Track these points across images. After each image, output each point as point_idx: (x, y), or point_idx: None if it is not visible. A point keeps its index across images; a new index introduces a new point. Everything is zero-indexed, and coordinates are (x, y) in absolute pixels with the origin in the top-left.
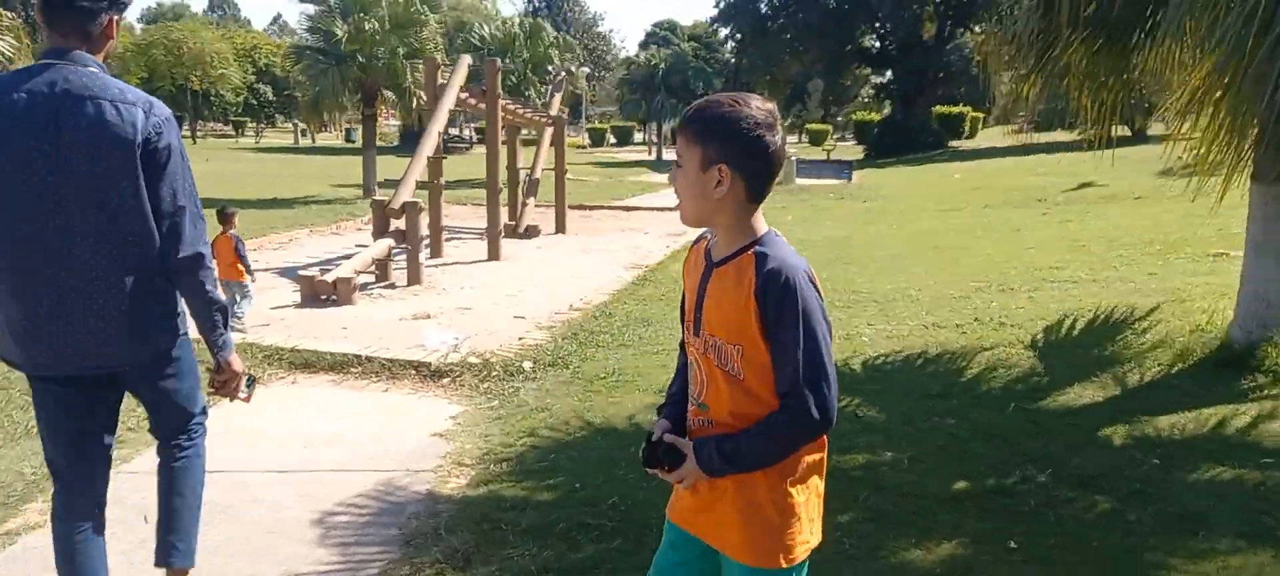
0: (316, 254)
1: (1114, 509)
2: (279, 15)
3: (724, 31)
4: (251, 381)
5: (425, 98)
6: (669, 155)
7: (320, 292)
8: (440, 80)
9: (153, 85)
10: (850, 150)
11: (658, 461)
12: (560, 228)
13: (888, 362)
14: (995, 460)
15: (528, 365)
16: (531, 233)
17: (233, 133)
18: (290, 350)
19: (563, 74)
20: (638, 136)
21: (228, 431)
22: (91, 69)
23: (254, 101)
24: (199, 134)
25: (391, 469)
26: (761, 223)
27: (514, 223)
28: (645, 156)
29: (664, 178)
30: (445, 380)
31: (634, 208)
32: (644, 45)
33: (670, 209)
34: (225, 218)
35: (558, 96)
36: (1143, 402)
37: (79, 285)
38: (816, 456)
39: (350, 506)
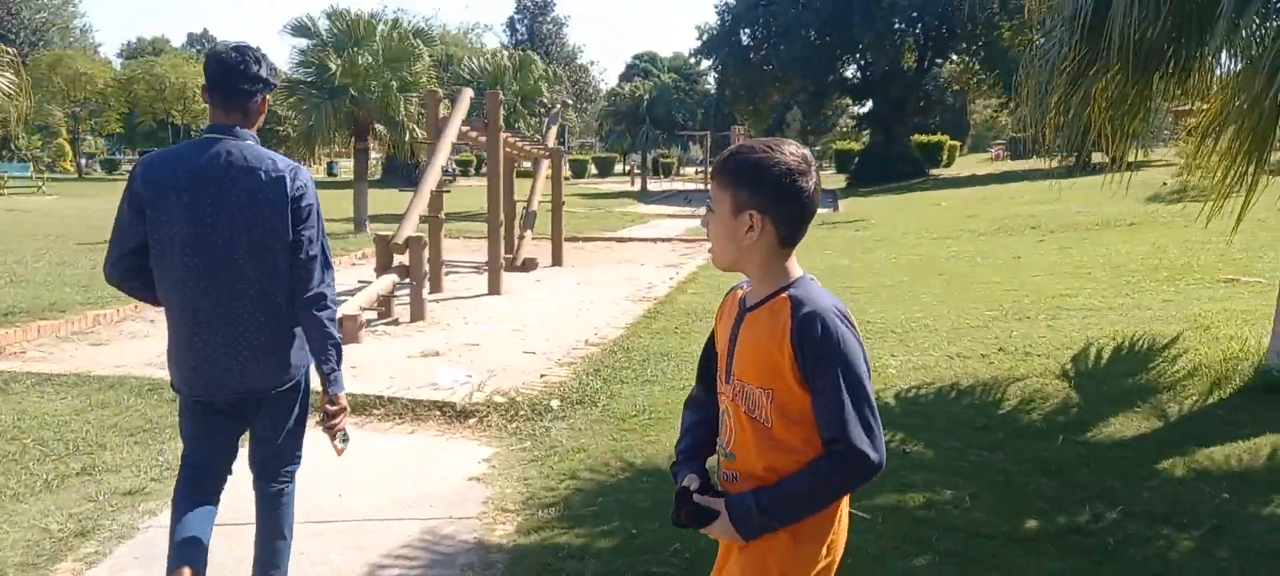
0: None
1: (1196, 546)
2: None
3: (706, 63)
4: (345, 437)
5: (422, 131)
6: (655, 185)
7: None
8: (442, 113)
9: (134, 120)
10: (831, 179)
11: (686, 519)
12: (557, 260)
13: (920, 395)
14: (1057, 496)
15: (555, 403)
16: (529, 266)
17: None
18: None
19: (558, 106)
20: (618, 167)
21: None
22: (248, 142)
23: None
24: None
25: (433, 516)
26: (795, 267)
27: (511, 256)
28: (628, 187)
29: (653, 209)
30: (471, 420)
31: (627, 238)
32: (625, 77)
33: (664, 239)
34: None
35: (554, 129)
36: (1191, 433)
37: (237, 331)
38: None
39: (399, 559)
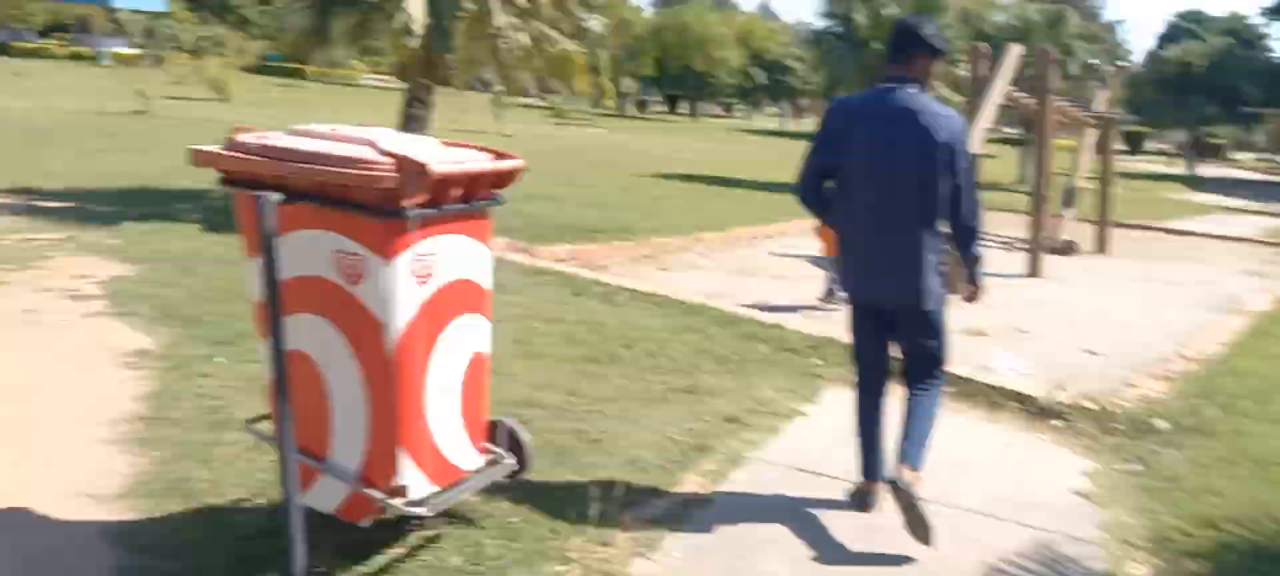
0: None
1: None
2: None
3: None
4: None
5: (964, 90)
6: (1203, 171)
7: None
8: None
9: (664, 65)
10: None
11: None
12: (1101, 247)
13: None
14: None
15: (1162, 424)
16: (1069, 249)
17: (723, 113)
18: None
19: (1113, 69)
20: (1147, 145)
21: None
22: (910, 90)
23: (746, 84)
24: (696, 114)
25: (1045, 528)
26: None
27: (1046, 235)
28: (1167, 169)
29: (1209, 198)
30: (1056, 421)
31: (1185, 232)
32: (1167, 39)
33: (1236, 238)
34: None
35: (1105, 94)
36: None
37: (899, 243)
38: None
39: (1020, 568)
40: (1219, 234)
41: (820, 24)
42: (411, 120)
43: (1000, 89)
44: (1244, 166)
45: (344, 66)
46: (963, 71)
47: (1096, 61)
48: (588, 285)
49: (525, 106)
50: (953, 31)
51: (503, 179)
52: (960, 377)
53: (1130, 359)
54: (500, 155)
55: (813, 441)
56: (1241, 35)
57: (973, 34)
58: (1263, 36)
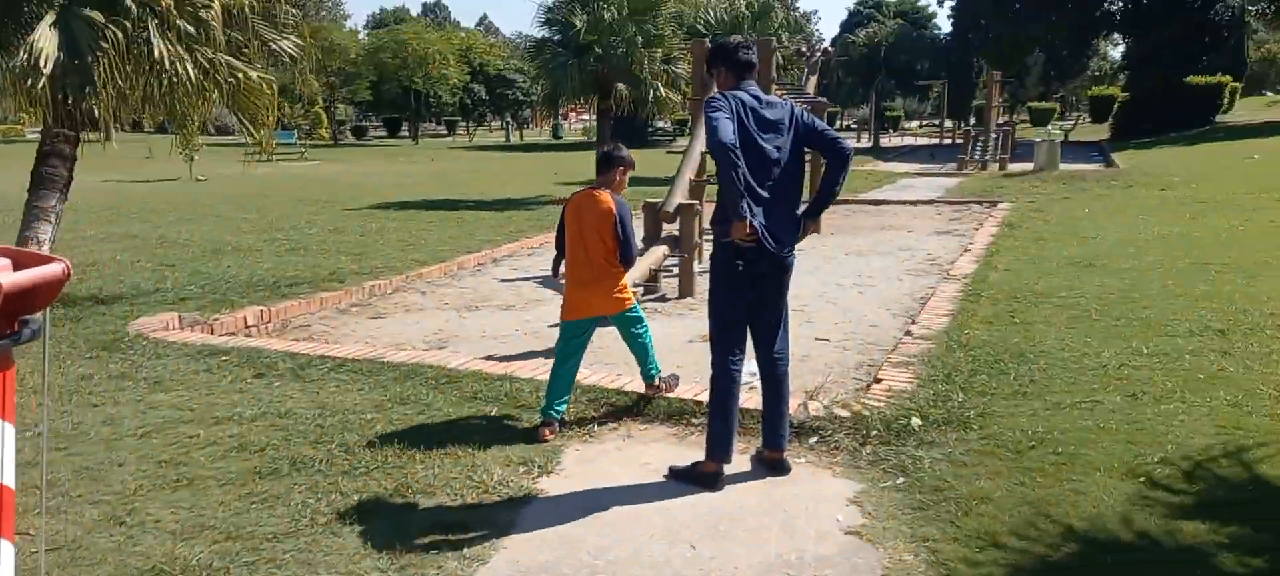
0: None
1: None
2: (485, 16)
3: (948, 4)
4: None
5: (671, 90)
6: (886, 141)
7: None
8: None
9: (382, 88)
10: (1088, 130)
11: None
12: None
13: None
14: None
15: (916, 422)
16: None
17: (446, 132)
18: (616, 392)
19: (820, 54)
20: (839, 123)
21: (590, 523)
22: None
23: (468, 101)
24: (419, 135)
25: None
26: None
27: None
28: (859, 144)
29: (897, 167)
30: (813, 439)
31: (882, 201)
32: (849, 26)
33: (925, 202)
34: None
35: (814, 79)
36: None
37: None
38: None
39: None
40: (910, 199)
41: (540, 33)
42: (45, 180)
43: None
44: (915, 133)
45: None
46: (680, 70)
47: (805, 49)
48: (275, 361)
49: (220, 145)
50: (668, 29)
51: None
52: (702, 405)
53: (862, 340)
54: (25, 261)
55: (548, 539)
56: (911, 16)
57: (687, 32)
58: (932, 16)
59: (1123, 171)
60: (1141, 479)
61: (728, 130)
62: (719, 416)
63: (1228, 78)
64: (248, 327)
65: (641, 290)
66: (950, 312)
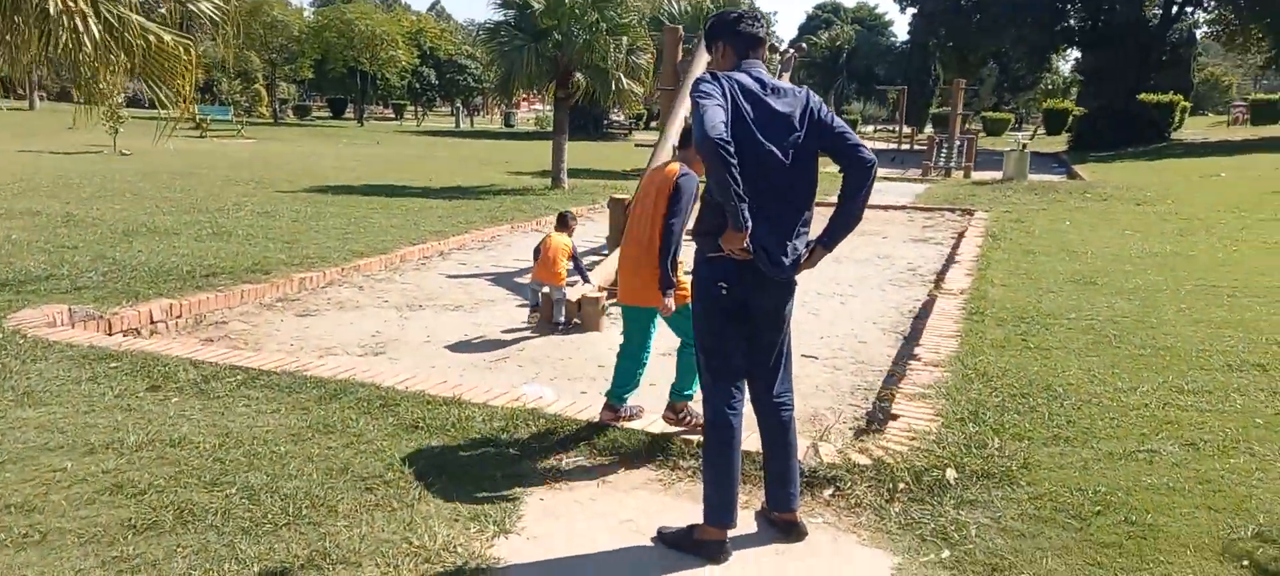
0: (525, 256)
1: None
2: (437, 1)
3: (909, 12)
4: None
5: (627, 80)
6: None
7: (569, 315)
8: (680, 55)
9: (325, 67)
10: (1044, 142)
11: None
12: None
13: None
14: None
15: (951, 475)
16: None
17: (394, 116)
18: (585, 424)
19: (792, 52)
20: None
21: None
22: None
23: (417, 85)
24: (365, 117)
25: None
26: None
27: None
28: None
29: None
30: (829, 491)
31: None
32: (808, 28)
33: (897, 207)
34: (564, 224)
35: (786, 76)
36: None
37: None
38: None
39: None
40: (881, 205)
41: (497, 17)
42: None
43: (701, 71)
44: (871, 137)
45: None
46: (642, 61)
47: (799, 44)
48: (175, 370)
49: (151, 118)
50: (631, 18)
51: None
52: (692, 446)
53: (852, 358)
54: None
55: None
56: (867, 22)
57: (651, 24)
58: (888, 23)
59: (1091, 184)
60: (1244, 562)
61: (717, 120)
62: (719, 471)
63: (1179, 96)
64: (153, 324)
65: (606, 295)
66: (956, 334)
